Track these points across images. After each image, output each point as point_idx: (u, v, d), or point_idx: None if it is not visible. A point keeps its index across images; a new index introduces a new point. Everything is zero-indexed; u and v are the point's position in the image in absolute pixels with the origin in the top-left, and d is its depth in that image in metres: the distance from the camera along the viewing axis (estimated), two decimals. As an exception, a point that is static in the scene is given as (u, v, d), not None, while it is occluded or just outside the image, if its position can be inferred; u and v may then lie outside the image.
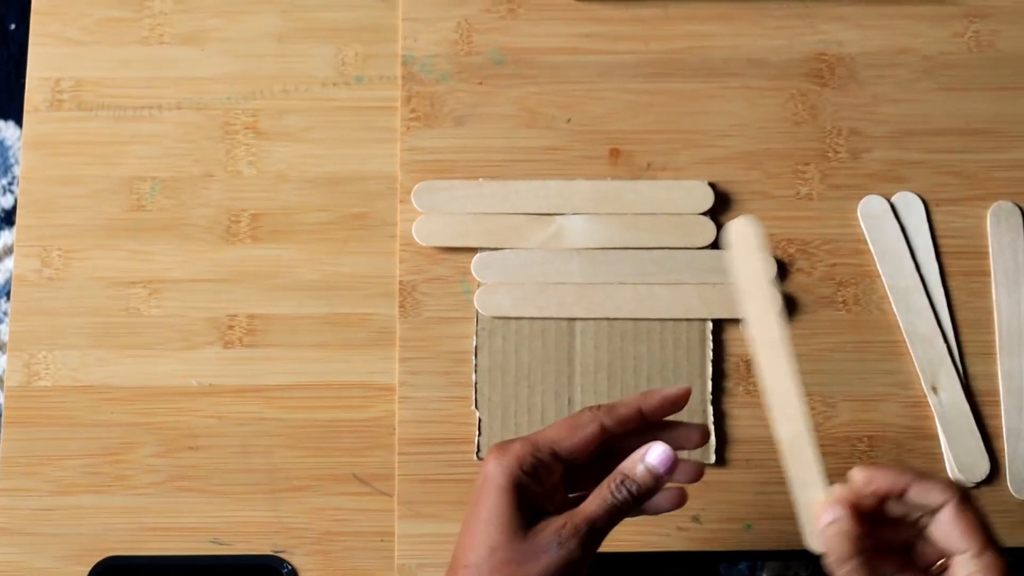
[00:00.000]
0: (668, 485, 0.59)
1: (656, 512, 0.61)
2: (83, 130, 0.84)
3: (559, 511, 0.58)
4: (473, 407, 0.80)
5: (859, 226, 0.83)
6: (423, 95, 0.84)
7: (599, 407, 0.59)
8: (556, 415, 0.79)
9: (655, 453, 0.57)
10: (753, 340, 0.59)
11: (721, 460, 0.80)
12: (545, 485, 0.58)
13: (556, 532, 0.56)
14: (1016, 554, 0.79)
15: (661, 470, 0.57)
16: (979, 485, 0.79)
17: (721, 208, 0.83)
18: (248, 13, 0.86)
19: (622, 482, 0.57)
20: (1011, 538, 0.79)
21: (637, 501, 0.57)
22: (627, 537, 0.79)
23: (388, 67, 0.85)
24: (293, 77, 0.85)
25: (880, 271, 0.82)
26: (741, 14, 0.86)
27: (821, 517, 0.55)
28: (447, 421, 0.80)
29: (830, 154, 0.84)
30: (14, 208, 0.86)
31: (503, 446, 0.57)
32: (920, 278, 0.82)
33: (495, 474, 0.56)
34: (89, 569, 0.79)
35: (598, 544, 0.57)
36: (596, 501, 0.57)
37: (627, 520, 0.78)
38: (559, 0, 0.86)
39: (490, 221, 0.82)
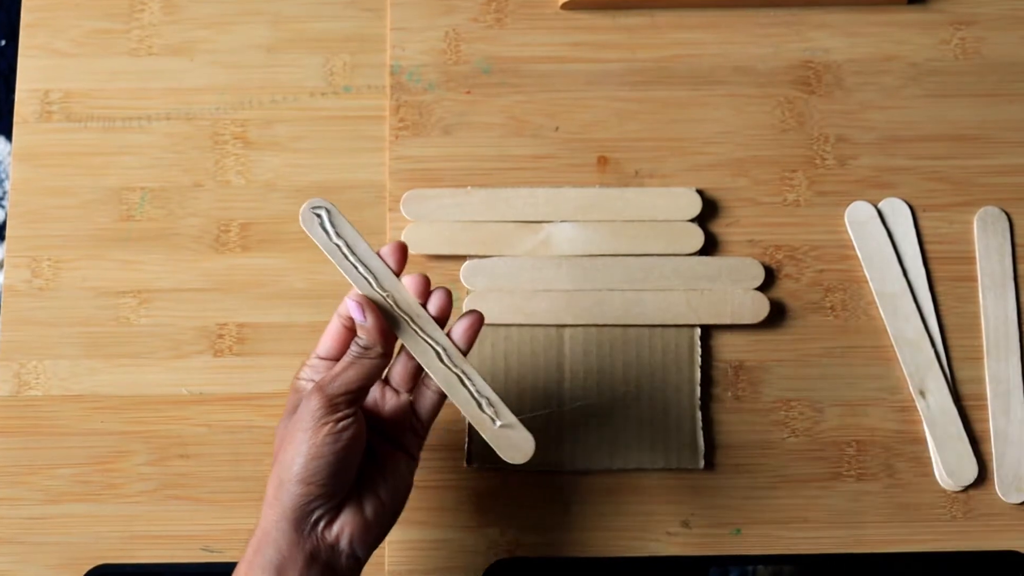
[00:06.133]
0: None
1: (428, 407, 0.68)
2: (72, 141, 0.85)
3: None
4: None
5: (846, 232, 0.83)
6: (411, 104, 0.85)
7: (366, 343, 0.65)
8: (545, 421, 0.79)
9: (349, 304, 0.64)
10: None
11: (710, 465, 0.80)
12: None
13: (306, 397, 0.63)
14: (1006, 557, 0.79)
15: (354, 314, 0.63)
16: (967, 489, 0.80)
17: (709, 215, 0.83)
18: (236, 24, 0.87)
19: (355, 340, 0.64)
20: (1000, 541, 0.79)
21: (371, 354, 0.64)
22: (617, 542, 0.79)
23: (376, 77, 0.86)
24: (281, 87, 0.86)
25: (867, 277, 0.82)
26: (728, 22, 0.87)
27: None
28: (436, 428, 0.79)
29: (817, 161, 0.85)
30: (4, 222, 0.86)
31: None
32: (907, 283, 0.82)
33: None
34: (80, 578, 0.79)
35: (352, 402, 0.63)
36: (338, 364, 0.64)
37: (617, 526, 0.79)
38: (546, 9, 0.87)
39: (479, 229, 0.82)
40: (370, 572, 0.79)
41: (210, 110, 0.85)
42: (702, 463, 0.79)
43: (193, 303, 0.83)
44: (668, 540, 0.79)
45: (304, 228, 0.64)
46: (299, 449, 0.62)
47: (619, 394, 0.80)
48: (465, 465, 0.80)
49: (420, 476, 0.79)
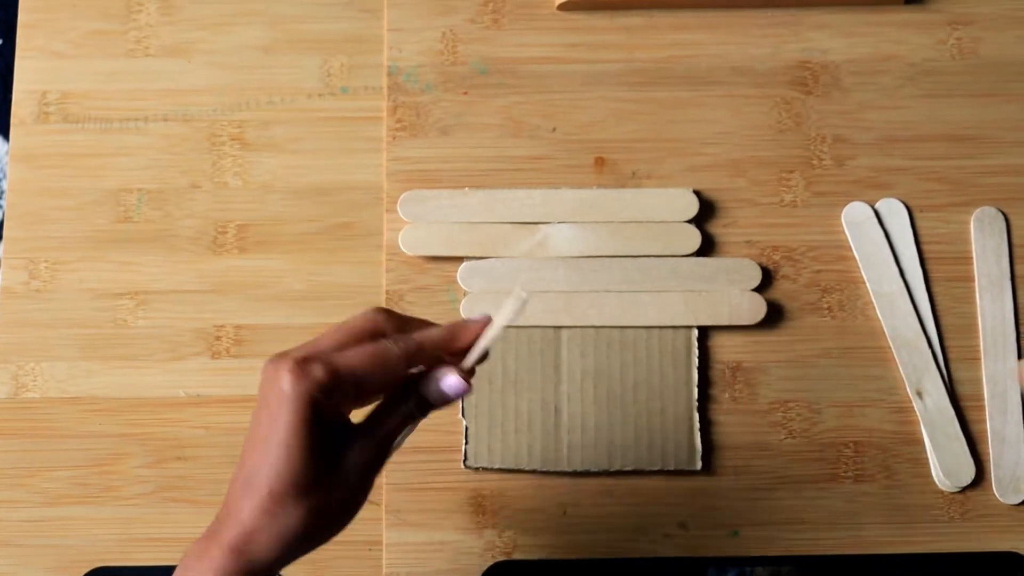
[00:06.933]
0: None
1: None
2: (70, 142, 0.85)
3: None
4: (460, 415, 0.80)
5: (843, 233, 0.83)
6: (408, 105, 0.85)
7: (407, 341, 0.57)
8: (542, 423, 0.79)
9: (450, 383, 0.58)
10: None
11: (708, 467, 0.80)
12: (342, 408, 0.57)
13: (362, 461, 0.56)
14: (1003, 558, 0.79)
15: (452, 396, 0.58)
16: (965, 490, 0.80)
17: (706, 216, 0.83)
18: (234, 25, 0.87)
19: (417, 404, 0.58)
20: (997, 542, 0.79)
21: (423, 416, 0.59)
22: (614, 544, 0.79)
23: (373, 78, 0.86)
24: (279, 88, 0.86)
25: (865, 277, 0.82)
26: (726, 23, 0.87)
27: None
28: (434, 430, 0.80)
29: (814, 161, 0.85)
30: (1, 224, 0.86)
31: (301, 366, 0.54)
32: (904, 284, 0.82)
33: (292, 397, 0.53)
34: (78, 580, 0.79)
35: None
36: (393, 420, 0.58)
37: (615, 528, 0.79)
38: (543, 10, 0.86)
39: (476, 230, 0.82)
40: (368, 575, 0.79)
41: (207, 111, 0.85)
42: (699, 464, 0.79)
43: (190, 305, 0.82)
44: (666, 542, 0.79)
45: (510, 305, 0.57)
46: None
47: (616, 395, 0.80)
48: (463, 466, 0.79)
49: (418, 478, 0.80)
